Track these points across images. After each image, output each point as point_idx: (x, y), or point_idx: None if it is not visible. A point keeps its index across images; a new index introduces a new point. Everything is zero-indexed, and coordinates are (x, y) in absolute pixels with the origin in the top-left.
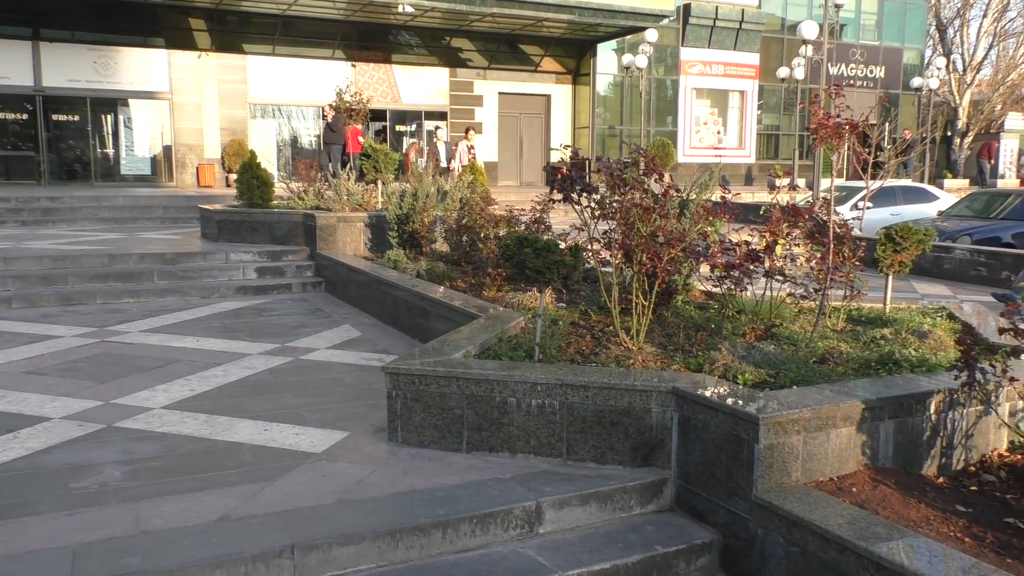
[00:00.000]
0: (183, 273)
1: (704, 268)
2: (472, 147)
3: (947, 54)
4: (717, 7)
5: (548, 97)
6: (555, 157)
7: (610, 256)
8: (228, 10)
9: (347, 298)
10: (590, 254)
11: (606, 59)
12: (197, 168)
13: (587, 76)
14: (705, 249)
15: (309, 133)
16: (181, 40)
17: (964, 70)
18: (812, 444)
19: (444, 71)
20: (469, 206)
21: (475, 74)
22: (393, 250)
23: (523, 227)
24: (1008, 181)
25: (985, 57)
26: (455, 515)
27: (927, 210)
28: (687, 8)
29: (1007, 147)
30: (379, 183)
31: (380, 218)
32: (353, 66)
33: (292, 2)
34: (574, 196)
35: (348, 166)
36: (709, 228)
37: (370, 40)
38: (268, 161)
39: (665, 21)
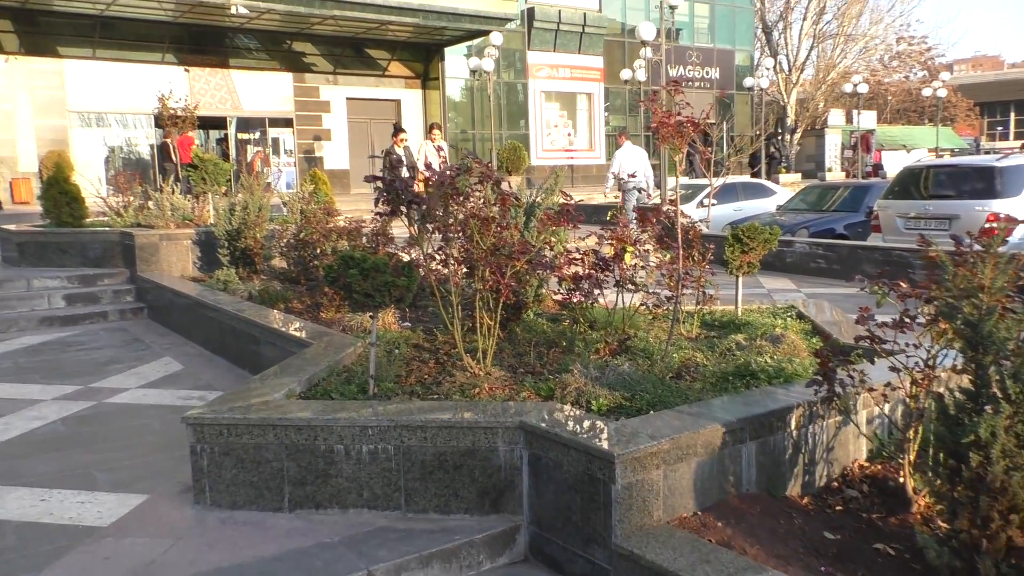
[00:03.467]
0: None
1: (553, 279)
2: (441, 148)
3: (774, 55)
4: (560, 11)
5: (398, 102)
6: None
7: (449, 272)
8: (37, 9)
9: (171, 325)
10: (425, 271)
11: (455, 63)
12: (11, 183)
13: (436, 80)
14: (551, 260)
15: (142, 143)
16: None
17: (789, 70)
18: (673, 477)
19: (288, 76)
20: (307, 218)
21: (321, 79)
22: (223, 270)
23: (364, 239)
24: (834, 174)
25: (807, 58)
26: None
27: (767, 205)
28: (531, 12)
29: (830, 142)
30: (210, 196)
31: (210, 234)
32: (187, 71)
33: (111, 1)
34: (402, 209)
35: (171, 177)
36: (553, 238)
37: (204, 43)
38: (94, 175)
39: (511, 25)
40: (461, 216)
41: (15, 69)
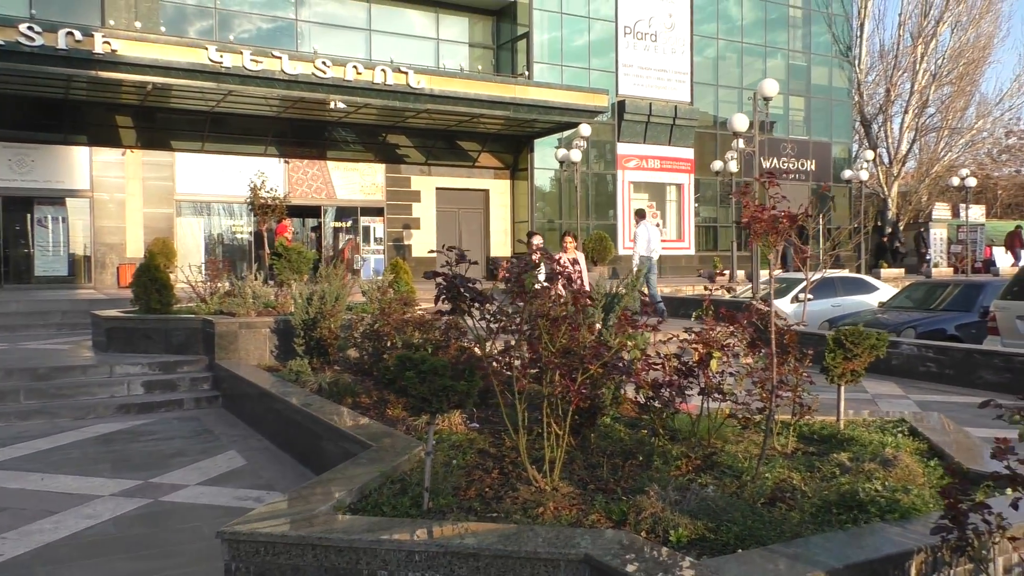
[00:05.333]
0: (56, 390)
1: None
2: (576, 260)
3: (874, 148)
4: (651, 104)
5: (487, 192)
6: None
7: (513, 375)
8: (155, 107)
9: (243, 416)
10: (488, 375)
11: (544, 154)
12: (118, 268)
13: (525, 171)
14: (629, 364)
15: (243, 231)
16: (105, 137)
17: (890, 163)
18: None
19: (380, 166)
20: (382, 309)
21: (414, 170)
22: (297, 360)
23: (437, 332)
24: (941, 269)
25: (909, 150)
26: None
27: (867, 300)
28: (621, 104)
29: (935, 235)
30: (293, 284)
31: (288, 323)
32: (286, 162)
33: (221, 99)
34: (463, 307)
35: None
36: (630, 342)
37: (304, 136)
38: (195, 261)
39: (601, 117)
40: (527, 315)
41: (131, 161)
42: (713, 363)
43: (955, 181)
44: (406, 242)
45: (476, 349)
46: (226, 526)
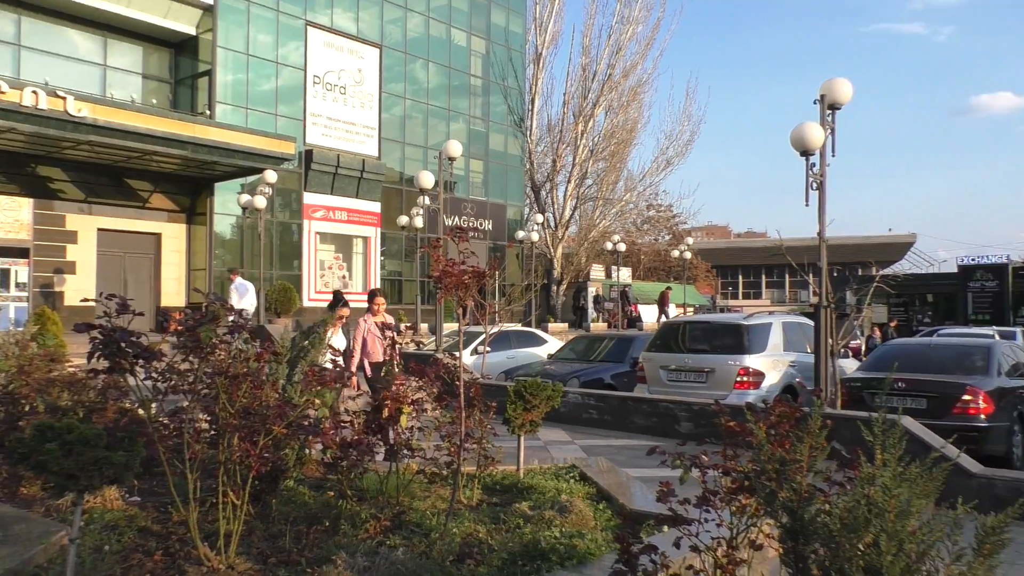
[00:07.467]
0: None
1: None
2: (388, 325)
3: (542, 211)
4: (339, 155)
5: (159, 235)
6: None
7: (184, 442)
8: None
9: None
10: (154, 441)
11: (226, 199)
12: None
13: (204, 215)
14: (316, 423)
15: None
16: None
17: (556, 226)
18: None
19: (28, 201)
20: (20, 367)
21: (70, 207)
22: None
23: (94, 393)
24: (598, 324)
25: (571, 216)
26: None
27: (538, 352)
28: (309, 154)
29: (591, 293)
30: None
31: None
32: None
33: None
34: (125, 364)
35: None
36: (317, 399)
37: None
38: None
39: (287, 165)
40: (203, 372)
41: None
42: (403, 419)
43: (608, 246)
44: (57, 288)
45: (140, 411)
46: None
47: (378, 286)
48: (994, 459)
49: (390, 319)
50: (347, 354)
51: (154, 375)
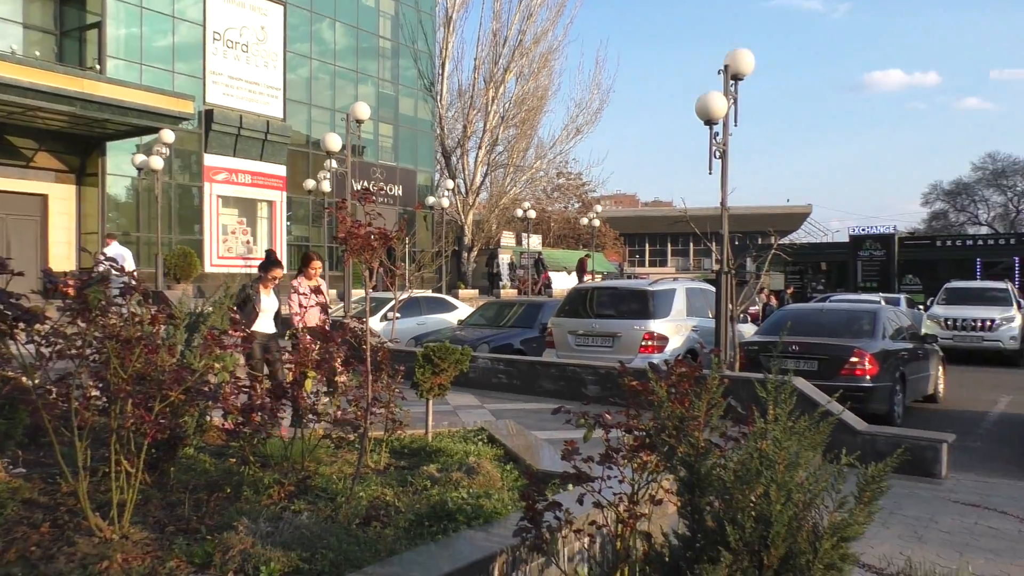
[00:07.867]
0: None
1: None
2: (319, 289)
3: (453, 177)
4: (242, 116)
5: (45, 197)
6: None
7: (72, 409)
8: None
9: None
10: (39, 408)
11: (120, 159)
12: None
13: (96, 176)
14: (216, 389)
15: None
16: None
17: (467, 193)
18: None
19: None
20: None
21: None
22: None
23: None
24: (508, 290)
25: (482, 183)
26: None
27: (448, 319)
28: (209, 113)
29: (504, 260)
30: None
31: None
32: None
33: None
34: (4, 328)
35: None
36: (218, 364)
37: None
38: None
39: (186, 125)
40: (92, 336)
41: None
42: (308, 383)
43: (519, 213)
44: None
45: (23, 379)
46: None
47: (277, 250)
48: (878, 417)
49: (323, 283)
50: (278, 316)
51: (36, 339)
